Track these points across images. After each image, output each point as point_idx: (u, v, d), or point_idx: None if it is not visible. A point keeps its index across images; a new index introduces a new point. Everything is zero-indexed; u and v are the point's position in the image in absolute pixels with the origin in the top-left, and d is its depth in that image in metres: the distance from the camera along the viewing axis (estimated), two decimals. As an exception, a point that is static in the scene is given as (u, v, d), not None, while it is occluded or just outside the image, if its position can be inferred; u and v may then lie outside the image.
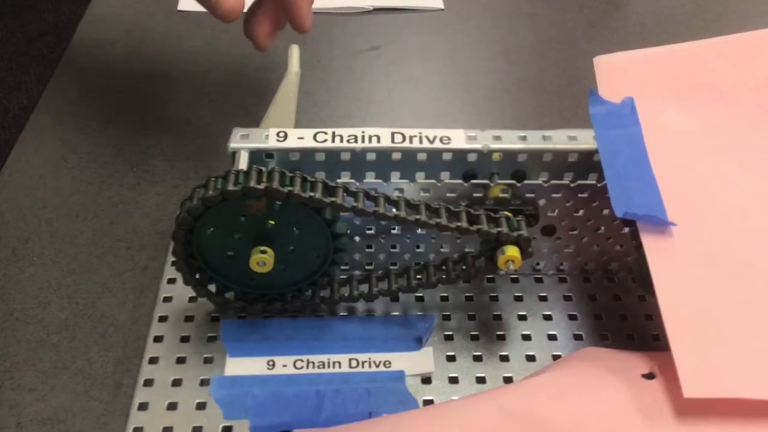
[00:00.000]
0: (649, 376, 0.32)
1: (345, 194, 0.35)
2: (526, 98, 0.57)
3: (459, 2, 0.67)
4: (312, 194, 0.34)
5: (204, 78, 0.57)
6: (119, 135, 0.51)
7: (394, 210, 0.35)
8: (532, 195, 0.38)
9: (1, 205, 0.46)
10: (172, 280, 0.41)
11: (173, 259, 0.41)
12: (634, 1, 0.68)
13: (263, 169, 0.34)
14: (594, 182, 0.38)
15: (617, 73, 0.42)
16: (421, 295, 0.41)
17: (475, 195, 0.38)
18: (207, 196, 0.33)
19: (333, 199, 0.34)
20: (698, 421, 0.29)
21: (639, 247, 0.35)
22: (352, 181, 0.38)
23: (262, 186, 0.33)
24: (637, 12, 0.67)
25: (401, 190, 0.38)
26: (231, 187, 0.33)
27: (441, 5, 0.66)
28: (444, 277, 0.38)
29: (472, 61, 0.61)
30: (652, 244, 0.34)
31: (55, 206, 0.46)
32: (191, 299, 0.40)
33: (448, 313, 0.40)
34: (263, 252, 0.35)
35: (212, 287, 0.38)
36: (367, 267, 0.41)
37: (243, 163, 0.37)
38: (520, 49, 0.62)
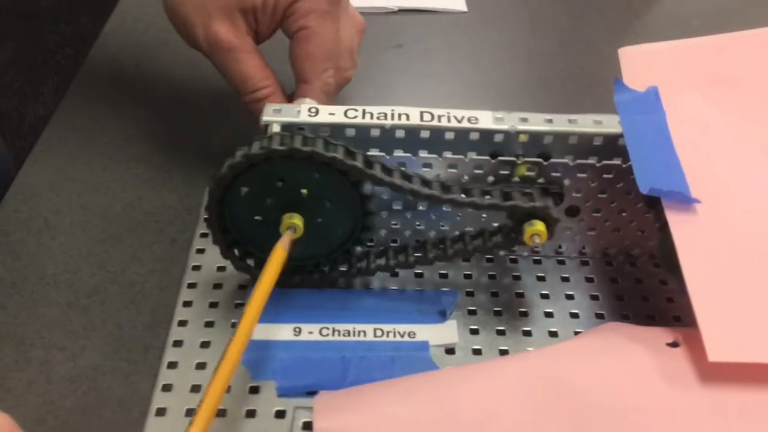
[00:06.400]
0: (674, 344, 0.32)
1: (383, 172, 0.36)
2: (546, 97, 0.58)
3: (481, 5, 0.68)
4: (354, 163, 0.35)
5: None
6: (148, 117, 0.53)
7: (433, 190, 0.36)
8: (557, 174, 0.39)
9: (34, 178, 0.47)
10: (200, 251, 0.42)
11: (202, 231, 0.42)
12: (654, 9, 0.69)
13: (308, 135, 0.35)
14: (619, 162, 0.38)
15: (641, 64, 0.43)
16: (445, 272, 0.41)
17: (501, 173, 0.39)
18: (251, 153, 0.34)
19: (373, 172, 0.35)
20: (722, 386, 0.30)
21: (663, 227, 0.36)
22: (382, 154, 0.39)
23: (307, 149, 0.34)
24: (656, 20, 0.68)
25: (429, 165, 0.39)
26: (276, 146, 0.34)
27: (464, 8, 0.67)
28: (467, 249, 0.39)
29: (493, 61, 0.62)
30: (676, 219, 0.34)
31: (85, 180, 0.47)
32: (220, 269, 0.41)
33: (471, 290, 0.40)
34: (291, 218, 0.36)
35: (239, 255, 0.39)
36: (392, 243, 0.42)
37: (275, 137, 0.37)
38: (541, 50, 0.63)
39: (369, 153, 0.38)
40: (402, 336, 0.38)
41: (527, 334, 0.38)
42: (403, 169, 0.37)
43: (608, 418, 0.30)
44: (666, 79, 0.41)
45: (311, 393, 0.34)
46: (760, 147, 0.39)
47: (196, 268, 0.41)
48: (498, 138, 0.39)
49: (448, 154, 0.39)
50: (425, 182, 0.37)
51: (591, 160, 0.38)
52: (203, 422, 0.28)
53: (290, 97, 0.45)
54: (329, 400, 0.31)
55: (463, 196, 0.37)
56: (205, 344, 0.37)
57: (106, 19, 0.64)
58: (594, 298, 0.40)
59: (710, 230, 0.34)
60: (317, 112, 0.39)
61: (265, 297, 0.33)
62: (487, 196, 0.37)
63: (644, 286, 0.41)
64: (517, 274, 0.41)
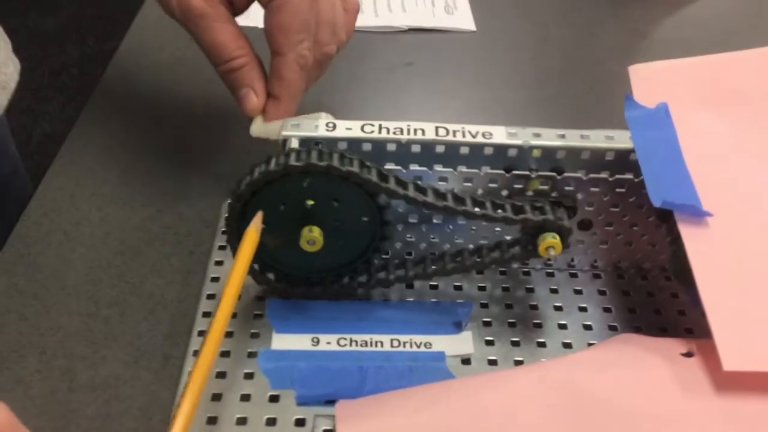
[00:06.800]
0: (688, 354, 0.33)
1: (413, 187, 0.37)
2: (555, 114, 0.59)
3: (490, 25, 0.69)
4: (388, 185, 0.36)
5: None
6: (165, 133, 0.54)
7: (467, 206, 0.37)
8: (570, 188, 0.40)
9: (53, 192, 0.48)
10: (219, 263, 0.42)
11: (220, 243, 0.43)
12: (660, 29, 0.70)
13: (345, 154, 0.36)
14: (631, 177, 0.39)
15: (651, 81, 0.44)
16: (459, 284, 0.42)
17: (516, 186, 0.40)
18: (290, 163, 0.35)
19: (406, 192, 0.36)
20: (736, 395, 0.30)
21: (675, 240, 0.37)
22: (399, 167, 0.39)
23: (345, 169, 0.35)
24: (662, 39, 0.69)
25: (445, 179, 0.39)
26: (315, 161, 0.35)
27: (473, 27, 0.68)
28: (480, 261, 0.39)
29: (501, 79, 0.63)
30: (688, 232, 0.35)
31: (104, 194, 0.48)
32: (238, 280, 0.41)
33: (485, 302, 0.41)
34: (310, 231, 0.37)
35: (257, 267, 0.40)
36: (407, 256, 0.43)
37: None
38: (549, 69, 0.64)
39: (388, 167, 0.39)
40: (418, 346, 0.38)
41: (542, 345, 0.39)
42: (434, 186, 0.38)
43: (624, 427, 0.30)
44: (676, 96, 0.42)
45: (330, 402, 0.35)
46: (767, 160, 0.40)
47: (215, 279, 0.41)
48: (512, 153, 0.39)
49: (462, 168, 0.40)
50: (458, 199, 0.38)
51: (603, 175, 0.39)
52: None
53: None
54: (351, 407, 0.32)
55: (499, 211, 0.38)
56: (225, 353, 0.37)
57: (112, 40, 0.65)
58: (607, 310, 0.41)
59: (722, 242, 0.34)
60: (335, 126, 0.40)
61: (240, 280, 0.34)
62: (513, 213, 0.38)
63: (656, 299, 0.42)
64: (531, 286, 0.42)
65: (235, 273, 0.34)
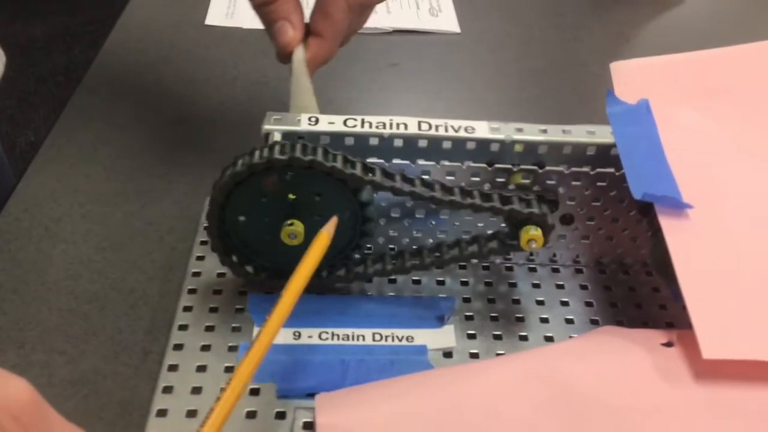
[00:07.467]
0: (668, 344, 0.33)
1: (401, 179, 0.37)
2: (539, 115, 0.59)
3: (475, 27, 0.69)
4: (358, 173, 0.36)
5: (231, 84, 0.59)
6: (149, 130, 0.53)
7: (454, 196, 0.37)
8: (552, 182, 0.40)
9: (35, 188, 0.47)
10: (200, 257, 0.42)
11: (202, 239, 0.43)
12: (643, 33, 0.71)
13: (329, 149, 0.36)
14: (613, 171, 0.39)
15: (633, 78, 0.44)
16: (442, 279, 0.42)
17: (498, 180, 0.40)
18: (275, 157, 0.35)
19: (393, 183, 0.36)
20: (716, 383, 0.31)
21: (656, 233, 0.37)
22: (381, 161, 0.39)
23: (329, 165, 0.35)
24: (645, 42, 0.69)
25: (428, 173, 0.39)
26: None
27: (457, 29, 0.69)
28: (463, 255, 0.39)
29: (486, 80, 0.63)
30: (668, 224, 0.35)
31: (86, 191, 0.48)
32: (219, 275, 0.41)
33: (468, 296, 0.41)
34: (292, 225, 0.37)
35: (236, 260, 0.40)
36: (389, 250, 0.42)
37: (276, 146, 0.38)
38: (533, 70, 0.65)
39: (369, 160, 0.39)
40: (400, 340, 0.38)
41: (523, 339, 0.39)
42: (421, 176, 0.38)
43: (606, 416, 0.30)
44: (657, 92, 0.43)
45: (311, 395, 0.35)
46: (747, 154, 0.40)
47: (196, 274, 0.41)
48: (494, 147, 0.39)
49: (445, 162, 0.40)
50: (445, 188, 0.38)
51: (585, 169, 0.39)
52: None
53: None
54: (331, 397, 0.31)
55: (485, 202, 0.38)
56: (205, 347, 0.37)
57: (99, 49, 0.64)
58: (588, 304, 0.41)
59: (702, 233, 0.35)
60: (317, 121, 0.40)
61: (305, 281, 0.33)
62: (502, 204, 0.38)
63: (637, 294, 0.42)
64: (513, 281, 0.42)
65: (302, 271, 0.33)
